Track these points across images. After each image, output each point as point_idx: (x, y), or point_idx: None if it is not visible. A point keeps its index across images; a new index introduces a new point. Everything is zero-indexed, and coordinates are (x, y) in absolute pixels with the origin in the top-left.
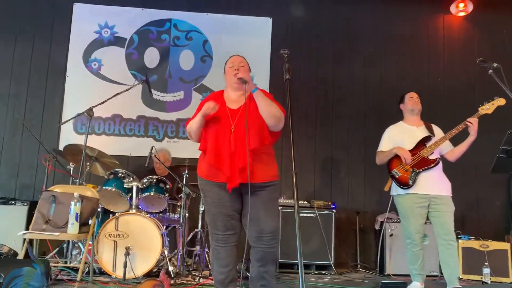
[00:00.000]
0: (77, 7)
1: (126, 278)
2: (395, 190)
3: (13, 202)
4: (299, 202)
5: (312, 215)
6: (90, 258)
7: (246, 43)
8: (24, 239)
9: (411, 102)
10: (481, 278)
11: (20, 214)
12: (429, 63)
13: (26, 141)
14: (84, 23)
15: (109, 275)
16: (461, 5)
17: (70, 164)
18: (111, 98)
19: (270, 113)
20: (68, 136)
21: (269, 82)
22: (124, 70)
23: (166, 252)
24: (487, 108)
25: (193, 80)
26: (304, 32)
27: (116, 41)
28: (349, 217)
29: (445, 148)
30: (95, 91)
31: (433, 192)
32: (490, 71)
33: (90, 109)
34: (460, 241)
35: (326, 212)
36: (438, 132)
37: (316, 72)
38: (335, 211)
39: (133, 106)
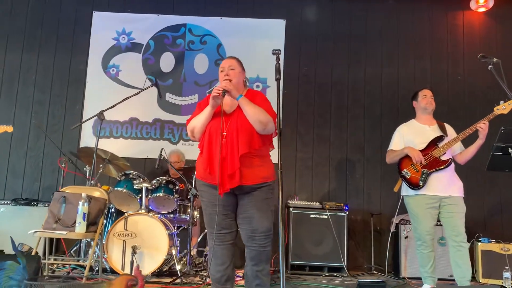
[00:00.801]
0: (96, 16)
1: None
2: (405, 190)
3: (35, 203)
4: (311, 203)
5: (324, 216)
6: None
7: (259, 45)
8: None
9: (425, 101)
10: (502, 282)
11: (42, 214)
12: (448, 61)
13: (48, 146)
14: (103, 31)
15: (118, 274)
16: (481, 0)
17: (87, 166)
18: (120, 102)
19: (255, 118)
20: (87, 139)
21: (283, 84)
22: (141, 75)
23: (174, 252)
24: (503, 108)
25: (208, 84)
26: (318, 33)
27: (133, 47)
28: (364, 219)
29: (456, 149)
30: (113, 96)
31: (444, 194)
32: (490, 66)
33: (101, 113)
34: (479, 244)
35: (338, 213)
36: (450, 131)
37: (330, 74)
38: (347, 212)
39: (149, 110)
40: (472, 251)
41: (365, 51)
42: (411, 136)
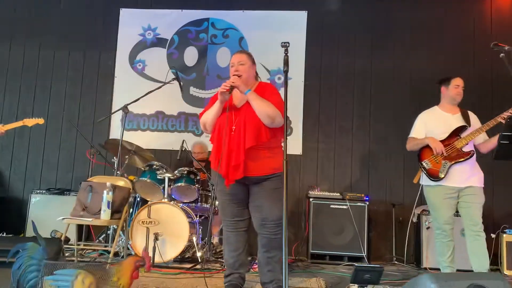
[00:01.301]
0: (123, 12)
1: (156, 262)
2: (425, 180)
3: (68, 193)
4: (332, 194)
5: (344, 207)
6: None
7: (281, 37)
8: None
9: (456, 91)
10: None
11: (73, 203)
12: (474, 50)
13: (80, 138)
14: (130, 27)
15: None
16: None
17: (114, 157)
18: (143, 96)
19: (263, 113)
20: (116, 132)
21: (304, 76)
22: (166, 69)
23: (194, 239)
24: None
25: (226, 78)
26: (340, 24)
27: (158, 42)
28: (386, 210)
29: (479, 139)
30: (140, 90)
31: (464, 185)
32: (502, 54)
33: (125, 107)
34: (505, 235)
35: (359, 204)
36: (474, 121)
37: (352, 65)
38: (368, 203)
39: (175, 103)
40: (497, 243)
41: (388, 41)
42: (433, 124)
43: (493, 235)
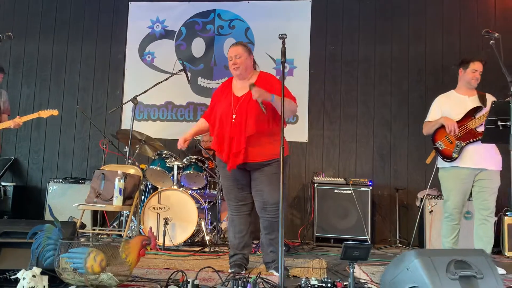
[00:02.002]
0: (132, 6)
1: (166, 246)
2: (440, 163)
3: (83, 181)
4: (336, 179)
5: (348, 191)
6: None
7: (286, 27)
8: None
9: (472, 76)
10: None
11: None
12: (478, 34)
13: (93, 129)
14: (139, 20)
15: None
16: None
17: (126, 147)
18: (151, 87)
19: (288, 112)
20: (128, 122)
21: (309, 64)
22: (174, 60)
23: (203, 224)
24: None
25: None
26: (344, 12)
27: (167, 34)
28: (390, 194)
29: None
30: (150, 81)
31: (479, 166)
32: (492, 41)
33: (134, 98)
34: (506, 217)
35: (362, 188)
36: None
37: (356, 52)
38: (371, 187)
39: (183, 93)
40: (499, 225)
41: (391, 29)
42: (448, 106)
43: (495, 218)
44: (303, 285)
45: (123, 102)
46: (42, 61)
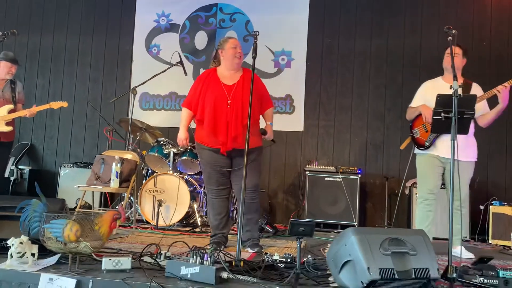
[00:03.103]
0: (139, 0)
1: (160, 225)
2: (416, 149)
3: (92, 166)
4: (327, 167)
5: (337, 179)
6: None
7: (284, 20)
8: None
9: (449, 59)
10: (510, 243)
11: None
12: (473, 28)
13: (104, 117)
14: (145, 14)
15: (149, 223)
16: None
17: (130, 135)
18: (150, 79)
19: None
20: (135, 112)
21: (306, 56)
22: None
23: (195, 206)
24: None
25: None
26: (341, 5)
27: (172, 27)
28: (382, 183)
29: (478, 110)
30: (155, 73)
31: (450, 157)
32: (449, 38)
33: (134, 89)
34: (491, 206)
35: (352, 176)
36: (476, 92)
37: (353, 44)
38: (360, 176)
39: (186, 84)
40: (486, 214)
41: (387, 22)
42: (431, 94)
43: (481, 207)
44: (265, 259)
45: (123, 93)
46: (56, 53)
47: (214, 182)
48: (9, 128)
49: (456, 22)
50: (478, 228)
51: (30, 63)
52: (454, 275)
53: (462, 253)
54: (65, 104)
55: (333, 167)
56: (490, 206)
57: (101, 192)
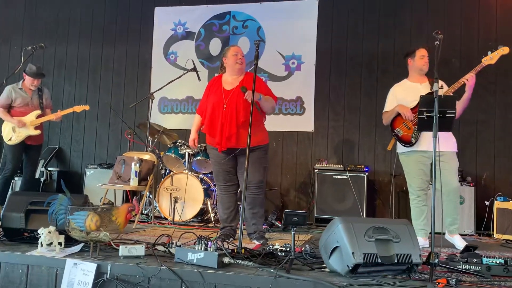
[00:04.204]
0: (157, 10)
1: (176, 221)
2: (399, 148)
3: None
4: (335, 166)
5: (345, 177)
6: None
7: (294, 25)
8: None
9: (422, 62)
10: None
11: None
12: (479, 29)
13: (125, 121)
14: (163, 23)
15: (166, 219)
16: None
17: (149, 137)
18: (166, 85)
19: (268, 107)
20: (154, 115)
21: (315, 59)
22: (194, 59)
23: (209, 203)
24: (490, 58)
25: (249, 63)
26: (349, 9)
27: (188, 35)
28: (390, 180)
29: None
30: (172, 78)
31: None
32: (436, 42)
33: (151, 94)
34: (496, 202)
35: (359, 174)
36: (443, 88)
37: (361, 47)
38: (367, 173)
39: (202, 89)
40: (491, 209)
41: (394, 24)
42: (403, 95)
43: (487, 202)
44: (266, 248)
45: (142, 98)
46: (81, 61)
47: (222, 179)
48: (38, 132)
49: (462, 22)
50: (483, 223)
51: (58, 71)
52: (436, 260)
53: (459, 242)
54: (87, 107)
55: (341, 165)
56: (495, 202)
57: (123, 191)
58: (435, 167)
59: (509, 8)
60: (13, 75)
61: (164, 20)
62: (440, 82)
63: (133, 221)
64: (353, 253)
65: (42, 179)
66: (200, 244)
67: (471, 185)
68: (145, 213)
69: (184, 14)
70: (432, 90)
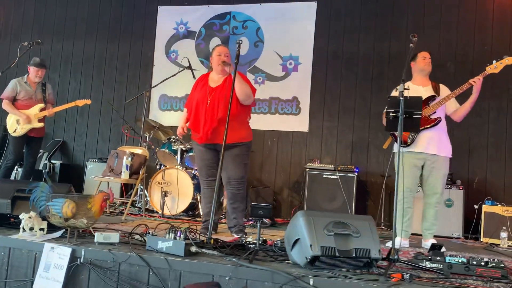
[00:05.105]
0: (160, 10)
1: (166, 214)
2: (395, 148)
3: None
4: (326, 165)
5: (335, 177)
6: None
7: (292, 27)
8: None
9: (423, 62)
10: (499, 241)
11: None
12: (475, 32)
13: (126, 117)
14: (166, 22)
15: (157, 212)
16: None
17: (146, 132)
18: (162, 82)
19: (242, 90)
20: (154, 112)
21: (312, 61)
22: (194, 58)
23: (198, 197)
24: (495, 68)
25: (247, 63)
26: (347, 12)
27: (189, 34)
28: (381, 181)
29: (450, 108)
30: (174, 77)
31: (430, 152)
32: (411, 45)
33: (146, 91)
34: (484, 206)
35: (349, 174)
36: (444, 92)
37: (356, 49)
38: (357, 174)
39: None
40: (479, 212)
41: (390, 27)
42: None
43: (476, 206)
44: (240, 241)
45: (139, 94)
46: (86, 58)
47: (204, 174)
48: (41, 125)
49: (458, 25)
50: (472, 226)
51: (65, 67)
52: (396, 256)
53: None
54: (88, 101)
55: (332, 165)
56: (483, 206)
57: (121, 184)
58: (398, 166)
59: (505, 12)
60: (8, 69)
61: (167, 19)
62: (443, 86)
63: (123, 213)
64: (311, 245)
65: (45, 171)
66: (170, 234)
67: (461, 188)
68: (139, 206)
69: (186, 13)
70: (433, 94)
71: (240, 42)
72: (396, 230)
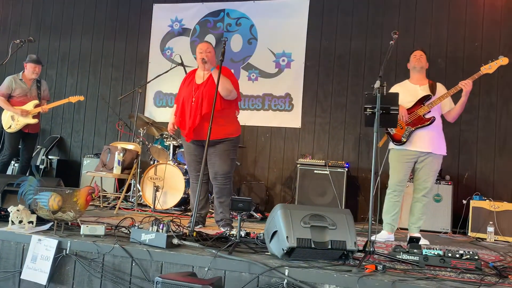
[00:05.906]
0: (155, 7)
1: (157, 209)
2: (390, 145)
3: None
4: (317, 161)
5: (325, 172)
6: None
7: (285, 24)
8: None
9: (414, 60)
10: (486, 236)
11: None
12: (465, 29)
13: (122, 113)
14: (161, 19)
15: (149, 206)
16: None
17: (141, 129)
18: (154, 78)
19: (222, 86)
20: (150, 108)
21: (305, 57)
22: (189, 55)
23: (190, 192)
24: (489, 68)
25: (241, 60)
26: (339, 9)
27: (183, 31)
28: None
29: (445, 107)
30: (169, 73)
31: (425, 150)
32: (391, 42)
33: (139, 87)
34: (472, 201)
35: (339, 170)
36: (441, 91)
37: (349, 45)
38: (347, 169)
39: None
40: (467, 207)
41: (382, 23)
42: (402, 95)
43: (464, 201)
44: (223, 234)
45: (133, 90)
46: (83, 55)
47: (193, 169)
48: (35, 121)
49: (449, 22)
50: (460, 221)
51: (61, 63)
52: (372, 249)
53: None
54: (81, 98)
55: (322, 161)
56: (471, 201)
57: (115, 179)
58: (374, 161)
59: (496, 9)
60: (0, 66)
61: (162, 17)
62: (440, 85)
63: (115, 207)
64: (287, 237)
65: (42, 167)
66: (153, 226)
67: (449, 183)
68: (132, 200)
69: (181, 11)
70: (429, 93)
71: (225, 39)
72: (371, 222)
